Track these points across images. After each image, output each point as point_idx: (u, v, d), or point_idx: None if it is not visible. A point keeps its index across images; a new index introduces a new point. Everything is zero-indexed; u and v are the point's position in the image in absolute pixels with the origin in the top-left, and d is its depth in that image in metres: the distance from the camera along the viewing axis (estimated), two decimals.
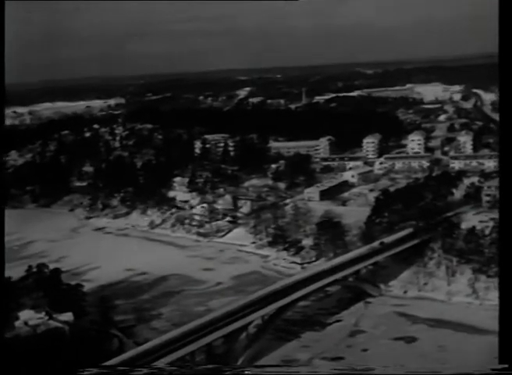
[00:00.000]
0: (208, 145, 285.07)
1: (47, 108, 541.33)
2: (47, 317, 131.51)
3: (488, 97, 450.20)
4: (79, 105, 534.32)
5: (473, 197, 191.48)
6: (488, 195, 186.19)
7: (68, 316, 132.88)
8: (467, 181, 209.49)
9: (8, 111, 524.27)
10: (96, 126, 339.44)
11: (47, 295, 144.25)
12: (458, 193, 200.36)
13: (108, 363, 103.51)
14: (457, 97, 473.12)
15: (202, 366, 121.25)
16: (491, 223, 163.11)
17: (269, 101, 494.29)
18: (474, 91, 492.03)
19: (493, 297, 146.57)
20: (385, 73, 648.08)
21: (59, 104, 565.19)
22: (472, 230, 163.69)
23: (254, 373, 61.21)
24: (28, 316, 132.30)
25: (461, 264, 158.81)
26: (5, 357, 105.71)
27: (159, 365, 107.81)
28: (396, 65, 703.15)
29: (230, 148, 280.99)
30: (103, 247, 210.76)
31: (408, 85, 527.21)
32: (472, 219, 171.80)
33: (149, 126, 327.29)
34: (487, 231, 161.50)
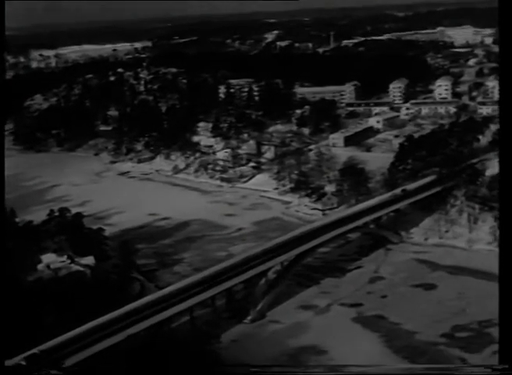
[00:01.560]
0: (232, 90, 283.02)
1: (73, 51, 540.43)
2: (69, 261, 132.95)
3: None
4: (105, 49, 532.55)
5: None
6: None
7: (89, 260, 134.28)
8: (493, 127, 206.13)
9: (35, 54, 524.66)
10: (121, 70, 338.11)
11: (69, 239, 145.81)
12: (484, 139, 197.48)
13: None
14: (489, 40, 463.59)
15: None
16: None
17: (297, 44, 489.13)
18: None
19: None
20: (416, 16, 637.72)
21: (86, 47, 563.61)
22: (496, 177, 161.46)
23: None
24: (50, 260, 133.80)
25: (484, 212, 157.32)
26: (28, 300, 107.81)
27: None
28: (427, 7, 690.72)
29: (255, 93, 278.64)
30: (126, 191, 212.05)
31: (439, 28, 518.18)
32: (497, 166, 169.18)
33: (174, 70, 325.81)
34: None
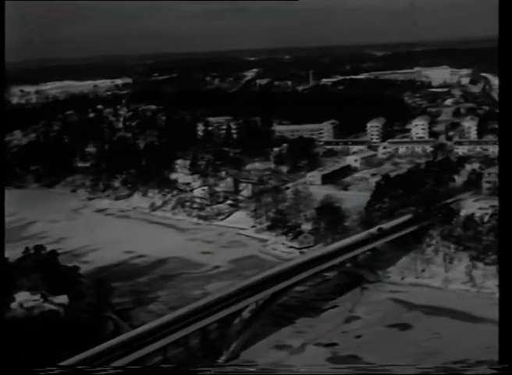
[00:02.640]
0: (210, 128, 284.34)
1: (54, 88, 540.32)
2: (42, 299, 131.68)
3: (497, 81, 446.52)
4: (86, 85, 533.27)
5: (474, 183, 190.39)
6: (488, 182, 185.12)
7: (63, 299, 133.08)
8: (469, 167, 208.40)
9: (16, 89, 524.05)
10: (100, 106, 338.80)
11: (43, 277, 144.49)
12: (460, 179, 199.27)
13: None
14: (466, 80, 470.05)
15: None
16: (490, 211, 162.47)
17: (276, 82, 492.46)
18: (483, 74, 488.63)
19: (490, 285, 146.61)
20: (394, 56, 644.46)
21: (67, 83, 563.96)
22: (471, 217, 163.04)
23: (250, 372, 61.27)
24: (24, 298, 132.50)
25: (459, 251, 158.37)
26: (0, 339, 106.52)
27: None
28: (405, 47, 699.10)
29: (233, 131, 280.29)
30: (103, 228, 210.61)
31: (416, 68, 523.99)
32: (472, 206, 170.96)
33: (153, 107, 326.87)
34: (486, 218, 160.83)
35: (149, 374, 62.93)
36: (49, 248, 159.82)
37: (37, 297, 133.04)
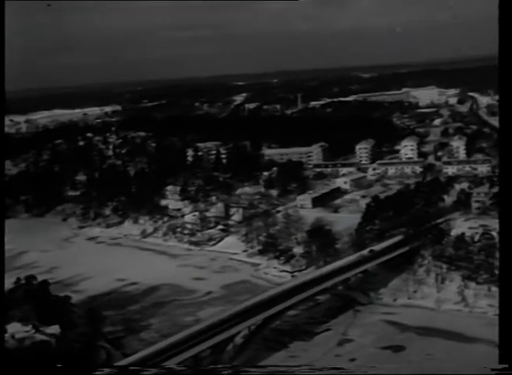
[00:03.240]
0: (200, 153, 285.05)
1: (44, 117, 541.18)
2: (33, 330, 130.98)
3: (485, 100, 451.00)
4: (76, 113, 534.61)
5: (464, 203, 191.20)
6: (477, 202, 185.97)
7: (55, 329, 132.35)
8: (458, 187, 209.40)
9: (6, 119, 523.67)
10: (90, 134, 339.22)
11: (35, 308, 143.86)
12: (449, 199, 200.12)
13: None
14: (453, 100, 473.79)
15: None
16: (480, 230, 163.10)
17: (265, 106, 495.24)
18: (470, 94, 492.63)
19: (482, 304, 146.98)
20: (381, 77, 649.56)
21: (57, 111, 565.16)
22: (461, 236, 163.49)
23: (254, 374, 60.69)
24: (15, 329, 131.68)
25: (451, 271, 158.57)
26: None
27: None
28: (393, 68, 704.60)
29: (222, 156, 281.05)
30: (95, 257, 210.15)
31: (404, 89, 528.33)
32: (462, 226, 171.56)
33: (142, 134, 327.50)
34: (476, 238, 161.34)
35: None
36: (41, 277, 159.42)
37: (29, 328, 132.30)
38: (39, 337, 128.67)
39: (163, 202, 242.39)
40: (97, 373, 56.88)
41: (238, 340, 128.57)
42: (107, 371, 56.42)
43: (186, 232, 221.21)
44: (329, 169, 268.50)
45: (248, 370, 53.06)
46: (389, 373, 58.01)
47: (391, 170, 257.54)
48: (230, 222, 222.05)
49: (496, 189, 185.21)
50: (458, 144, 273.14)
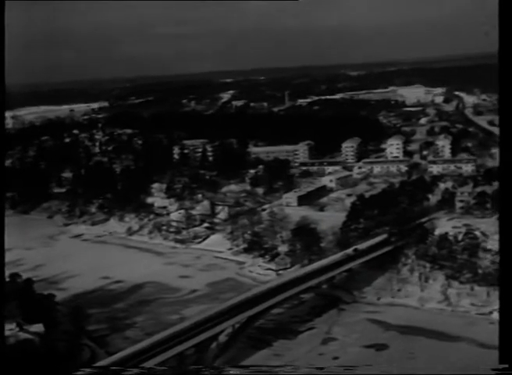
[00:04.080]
0: (186, 151, 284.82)
1: (31, 113, 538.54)
2: (17, 328, 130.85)
3: (471, 99, 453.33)
4: (63, 109, 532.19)
5: (448, 202, 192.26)
6: (461, 201, 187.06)
7: (38, 328, 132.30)
8: (443, 186, 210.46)
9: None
10: (76, 131, 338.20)
11: (19, 306, 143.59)
12: (434, 198, 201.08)
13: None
14: (439, 99, 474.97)
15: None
16: (463, 229, 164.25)
17: (252, 104, 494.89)
18: (457, 93, 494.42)
19: (465, 303, 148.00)
20: (369, 75, 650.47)
21: (44, 108, 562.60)
22: (445, 236, 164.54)
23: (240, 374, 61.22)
24: None
25: (434, 270, 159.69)
26: None
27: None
28: (380, 67, 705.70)
29: (209, 154, 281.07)
30: (80, 254, 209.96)
31: (391, 87, 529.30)
32: (445, 225, 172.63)
33: (129, 131, 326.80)
34: (460, 237, 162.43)
35: None
36: (25, 275, 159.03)
37: (13, 326, 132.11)
38: (23, 335, 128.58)
39: (149, 200, 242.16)
40: (79, 373, 57.37)
41: (222, 338, 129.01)
42: (88, 371, 56.84)
43: (171, 230, 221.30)
44: (315, 168, 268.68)
45: (229, 371, 53.47)
46: (369, 373, 58.68)
47: (376, 169, 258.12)
48: (216, 220, 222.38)
49: (479, 189, 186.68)
50: (443, 144, 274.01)
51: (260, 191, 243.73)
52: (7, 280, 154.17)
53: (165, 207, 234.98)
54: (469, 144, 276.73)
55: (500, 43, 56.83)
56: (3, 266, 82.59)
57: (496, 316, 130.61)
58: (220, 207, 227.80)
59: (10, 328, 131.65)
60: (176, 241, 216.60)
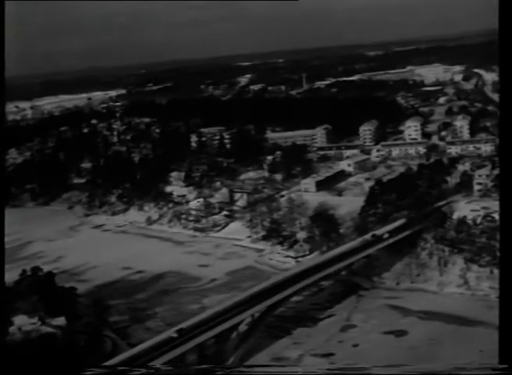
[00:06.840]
0: (203, 138, 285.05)
1: (49, 103, 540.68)
2: (39, 322, 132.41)
3: (490, 76, 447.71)
4: (81, 98, 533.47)
5: (466, 185, 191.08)
6: (479, 184, 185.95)
7: (60, 321, 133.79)
8: (461, 168, 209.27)
9: (11, 106, 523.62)
10: (94, 121, 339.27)
11: (41, 299, 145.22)
12: (452, 181, 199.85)
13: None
14: (458, 77, 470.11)
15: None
16: (482, 212, 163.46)
17: (270, 87, 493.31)
18: (476, 70, 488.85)
19: (484, 287, 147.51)
20: (386, 55, 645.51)
21: (62, 97, 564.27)
22: (463, 219, 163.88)
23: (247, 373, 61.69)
24: (22, 322, 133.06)
25: (453, 254, 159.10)
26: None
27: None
28: (398, 46, 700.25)
29: (226, 141, 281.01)
30: (101, 245, 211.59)
31: (409, 67, 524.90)
32: (464, 209, 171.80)
33: (147, 119, 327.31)
34: (478, 220, 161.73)
35: None
36: (47, 267, 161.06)
37: (35, 320, 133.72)
38: (45, 329, 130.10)
39: (168, 189, 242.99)
40: (87, 372, 58.08)
41: (242, 327, 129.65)
42: (95, 371, 57.55)
43: (190, 218, 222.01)
44: (333, 152, 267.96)
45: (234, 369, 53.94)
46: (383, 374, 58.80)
47: (395, 152, 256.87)
48: (235, 207, 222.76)
49: (497, 171, 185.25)
50: (462, 124, 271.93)
51: (278, 177, 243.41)
52: (28, 273, 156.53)
53: (183, 195, 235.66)
54: (488, 124, 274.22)
55: (500, 34, 56.43)
56: (3, 265, 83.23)
57: None
58: (239, 194, 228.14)
59: (32, 322, 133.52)
60: (196, 229, 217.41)
